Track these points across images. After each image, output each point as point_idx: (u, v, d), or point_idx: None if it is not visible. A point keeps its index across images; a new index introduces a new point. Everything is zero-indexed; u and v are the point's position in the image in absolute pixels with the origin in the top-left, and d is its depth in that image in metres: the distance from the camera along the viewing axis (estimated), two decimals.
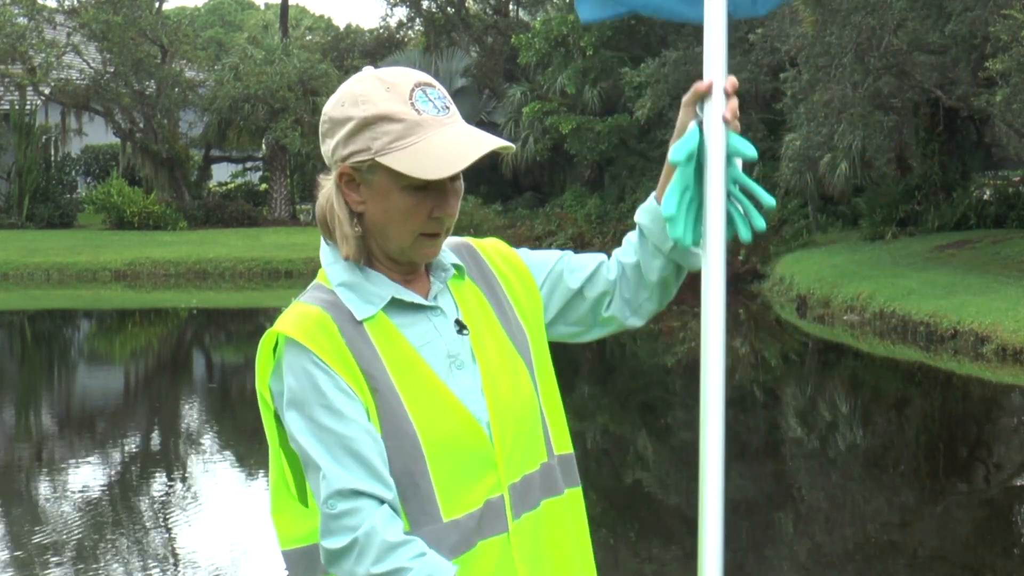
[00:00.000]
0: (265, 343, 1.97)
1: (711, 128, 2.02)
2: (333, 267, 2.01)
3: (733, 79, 2.04)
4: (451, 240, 2.13)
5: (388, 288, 2.01)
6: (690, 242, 2.05)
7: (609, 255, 2.26)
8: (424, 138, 1.92)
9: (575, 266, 2.20)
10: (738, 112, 2.04)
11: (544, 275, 2.19)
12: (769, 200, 2.00)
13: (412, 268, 2.05)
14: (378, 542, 1.82)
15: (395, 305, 2.01)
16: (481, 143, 1.95)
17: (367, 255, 2.02)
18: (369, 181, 1.96)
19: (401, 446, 1.90)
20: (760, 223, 2.04)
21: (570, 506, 2.08)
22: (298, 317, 1.96)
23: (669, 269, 2.21)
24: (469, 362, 2.01)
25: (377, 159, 1.92)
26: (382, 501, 1.86)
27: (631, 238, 2.21)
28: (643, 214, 2.17)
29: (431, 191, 1.95)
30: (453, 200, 1.98)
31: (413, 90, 1.95)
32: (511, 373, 2.04)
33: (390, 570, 1.81)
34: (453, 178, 1.97)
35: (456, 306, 2.06)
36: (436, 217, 1.97)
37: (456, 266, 2.09)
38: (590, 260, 2.21)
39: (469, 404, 1.97)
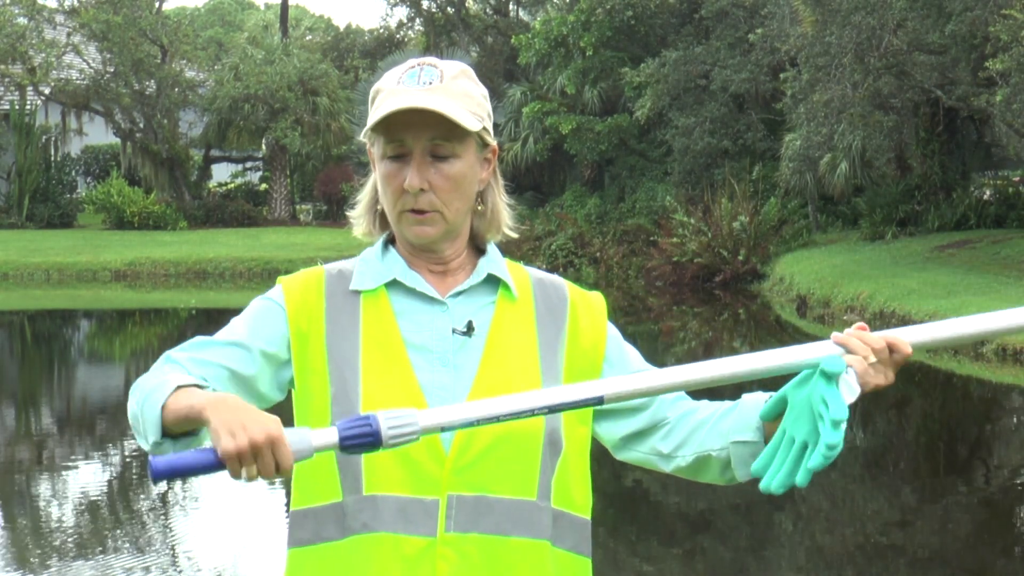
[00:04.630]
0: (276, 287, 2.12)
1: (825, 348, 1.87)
2: (372, 244, 2.11)
3: (907, 346, 1.88)
4: (542, 272, 2.15)
5: (395, 269, 2.04)
6: (778, 488, 1.90)
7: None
8: (388, 100, 1.96)
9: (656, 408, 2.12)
10: (862, 355, 1.87)
11: (622, 371, 2.10)
12: (835, 429, 1.84)
13: (436, 259, 2.05)
14: (141, 380, 1.98)
15: (399, 288, 2.03)
16: (423, 100, 1.94)
17: (395, 239, 2.08)
18: (373, 156, 2.05)
19: (344, 413, 1.94)
20: (800, 478, 1.86)
21: (556, 563, 2.00)
22: (302, 272, 2.09)
23: (715, 470, 2.09)
24: (460, 365, 1.99)
25: (367, 130, 2.02)
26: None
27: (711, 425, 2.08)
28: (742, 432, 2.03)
29: (405, 162, 1.98)
30: (417, 174, 1.96)
31: (411, 68, 2.01)
32: None
33: (135, 398, 1.96)
34: (436, 155, 1.97)
35: (483, 313, 2.03)
36: (406, 189, 1.97)
37: (497, 279, 2.06)
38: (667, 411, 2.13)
39: (433, 398, 1.95)
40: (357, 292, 2.03)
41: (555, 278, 2.15)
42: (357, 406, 1.95)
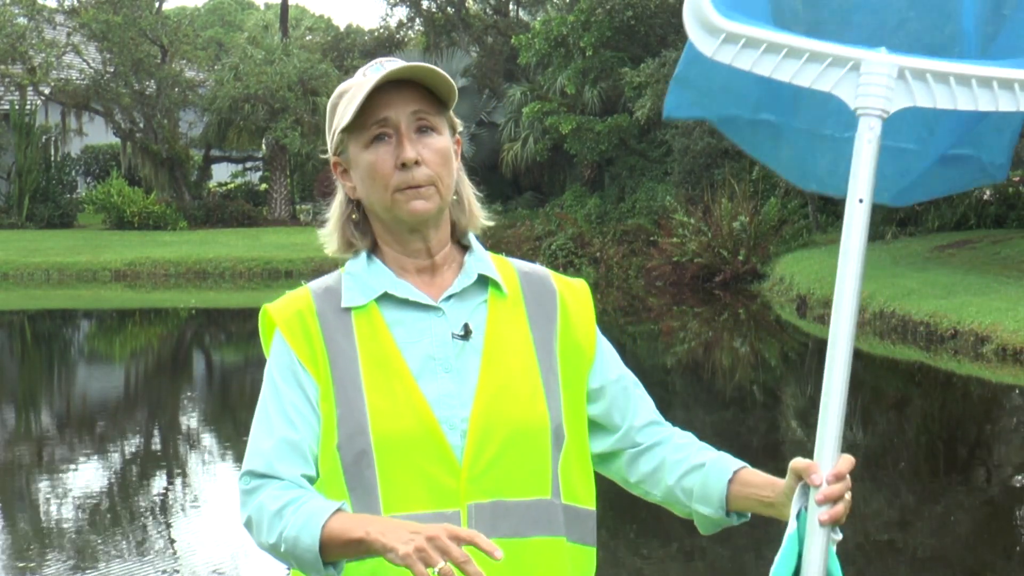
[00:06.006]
0: (260, 318, 2.06)
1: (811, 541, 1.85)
2: (353, 256, 2.07)
3: (848, 460, 1.88)
4: (525, 263, 2.13)
5: (384, 282, 2.01)
6: None
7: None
8: (363, 90, 1.95)
9: (635, 408, 2.11)
10: (842, 514, 1.86)
11: (603, 377, 2.10)
12: None
13: (424, 252, 2.02)
14: (266, 516, 1.90)
15: (391, 300, 2.01)
16: (395, 65, 1.95)
17: (375, 245, 2.05)
18: (349, 161, 2.02)
19: (351, 434, 1.94)
20: None
21: (571, 557, 2.01)
22: (287, 297, 2.05)
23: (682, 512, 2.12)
24: (462, 369, 1.97)
25: (338, 132, 2.00)
26: (282, 480, 1.93)
27: (682, 476, 2.06)
28: (703, 507, 2.04)
29: (391, 142, 1.97)
30: (410, 146, 1.95)
31: (372, 64, 2.00)
32: (524, 398, 1.98)
33: (276, 537, 1.88)
34: (420, 130, 1.97)
35: (477, 314, 2.02)
36: (401, 165, 1.95)
37: (486, 278, 2.04)
38: (648, 415, 2.13)
39: (440, 408, 1.94)
40: (348, 309, 2.00)
41: (539, 269, 2.14)
42: (365, 426, 1.93)
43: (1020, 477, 9.72)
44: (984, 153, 2.01)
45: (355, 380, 1.96)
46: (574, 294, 2.11)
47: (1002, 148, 2.00)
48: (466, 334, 1.99)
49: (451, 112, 2.03)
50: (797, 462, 1.88)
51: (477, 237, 2.11)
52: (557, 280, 2.12)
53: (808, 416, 11.79)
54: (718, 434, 11.08)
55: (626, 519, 8.03)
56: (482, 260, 2.06)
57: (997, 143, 1.99)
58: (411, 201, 1.97)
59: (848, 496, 1.87)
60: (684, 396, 13.27)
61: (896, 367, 14.78)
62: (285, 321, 2.01)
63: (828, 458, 1.86)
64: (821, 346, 16.63)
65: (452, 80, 2.00)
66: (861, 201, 1.85)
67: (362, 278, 2.02)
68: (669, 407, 12.25)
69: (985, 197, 23.74)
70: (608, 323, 18.89)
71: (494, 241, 24.24)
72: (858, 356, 15.49)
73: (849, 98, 1.86)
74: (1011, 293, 15.56)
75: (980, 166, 2.02)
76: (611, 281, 24.53)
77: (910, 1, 1.92)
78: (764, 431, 11.28)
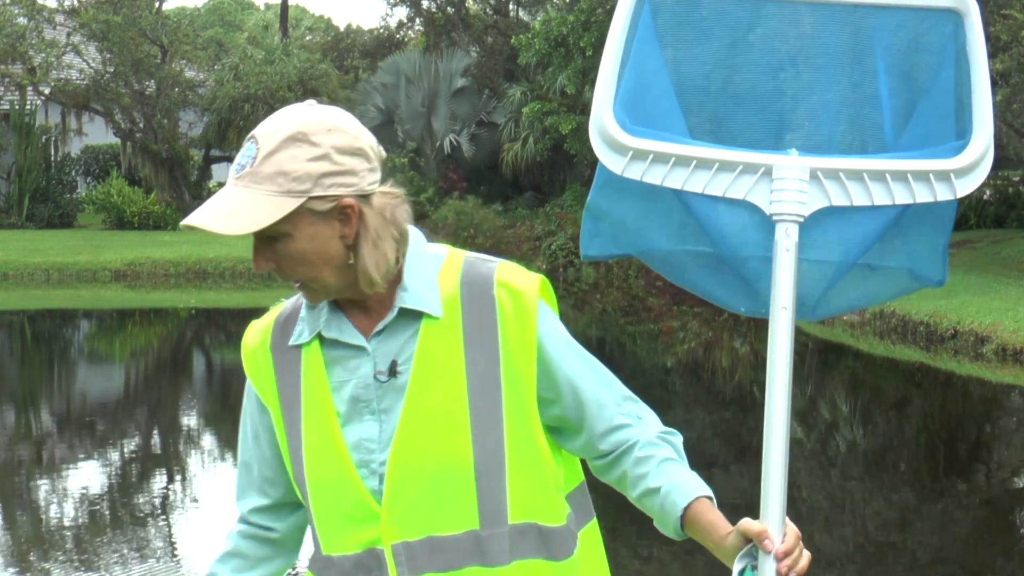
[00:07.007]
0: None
1: None
2: None
3: (795, 531, 1.90)
4: (477, 264, 1.99)
5: (321, 321, 1.98)
6: None
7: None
8: (189, 218, 1.90)
9: (597, 418, 2.04)
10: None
11: (551, 387, 1.99)
12: None
13: (349, 299, 1.98)
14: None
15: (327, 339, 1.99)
16: (209, 215, 1.86)
17: None
18: None
19: (296, 475, 2.02)
20: None
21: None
22: (256, 324, 2.08)
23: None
24: (387, 409, 1.93)
25: None
26: (241, 518, 2.17)
27: (642, 489, 2.04)
28: (657, 520, 2.05)
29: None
30: (259, 259, 1.89)
31: (247, 139, 1.91)
32: (448, 432, 1.91)
33: None
34: (265, 238, 1.88)
35: (408, 348, 1.94)
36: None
37: (408, 311, 1.94)
38: (617, 428, 2.07)
39: (359, 454, 1.93)
40: (298, 346, 2.00)
41: (485, 272, 1.97)
42: (303, 471, 1.99)
43: (1020, 477, 9.72)
44: (916, 265, 1.99)
45: (297, 423, 1.99)
46: (514, 300, 1.95)
47: (935, 261, 1.98)
48: (391, 373, 1.93)
49: (309, 199, 1.84)
50: (749, 526, 1.88)
51: (428, 240, 2.03)
52: (500, 284, 1.95)
53: (808, 416, 11.80)
54: (718, 434, 11.09)
55: (626, 519, 8.03)
56: (409, 291, 1.93)
57: (930, 255, 1.98)
58: (299, 291, 1.98)
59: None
60: (684, 396, 13.27)
61: (896, 367, 14.78)
62: (247, 355, 2.06)
63: (775, 525, 1.88)
64: (821, 345, 16.65)
65: (296, 184, 1.83)
66: (785, 308, 1.84)
67: (312, 313, 2.00)
68: (669, 407, 12.24)
69: (985, 197, 23.74)
70: (608, 323, 18.88)
71: (494, 241, 24.23)
72: (858, 356, 15.48)
73: (764, 204, 1.84)
74: (1011, 293, 15.56)
75: (913, 276, 2.00)
76: (611, 281, 24.52)
77: (821, 101, 1.89)
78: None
